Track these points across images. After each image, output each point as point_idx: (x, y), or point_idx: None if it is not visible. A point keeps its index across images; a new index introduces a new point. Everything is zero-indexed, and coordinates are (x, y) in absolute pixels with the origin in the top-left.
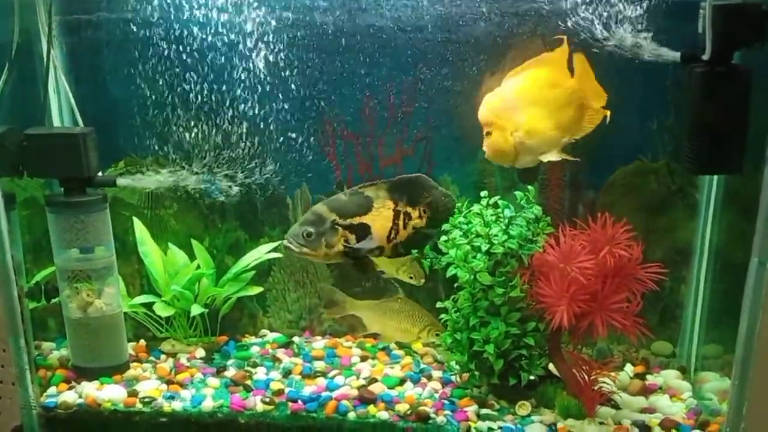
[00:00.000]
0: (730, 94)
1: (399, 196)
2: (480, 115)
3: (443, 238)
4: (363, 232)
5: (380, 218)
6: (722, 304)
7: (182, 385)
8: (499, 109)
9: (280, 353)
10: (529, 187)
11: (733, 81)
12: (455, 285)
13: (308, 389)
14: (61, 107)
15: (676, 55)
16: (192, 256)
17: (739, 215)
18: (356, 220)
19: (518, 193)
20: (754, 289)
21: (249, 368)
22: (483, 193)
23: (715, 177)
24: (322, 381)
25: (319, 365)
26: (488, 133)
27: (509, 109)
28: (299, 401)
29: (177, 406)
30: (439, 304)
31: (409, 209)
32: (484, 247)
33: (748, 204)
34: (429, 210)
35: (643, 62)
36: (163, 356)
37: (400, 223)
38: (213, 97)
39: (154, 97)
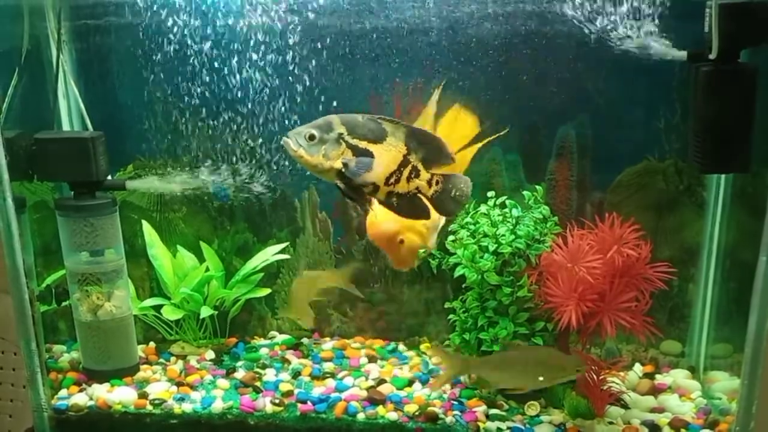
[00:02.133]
0: (737, 92)
1: (414, 148)
2: (382, 235)
3: (450, 238)
4: (366, 158)
5: (387, 155)
6: (731, 303)
7: (192, 387)
8: (394, 220)
9: (289, 355)
10: (537, 186)
11: (740, 80)
12: (463, 285)
13: (317, 390)
14: (70, 111)
15: (682, 54)
16: (201, 259)
17: (747, 214)
18: (363, 144)
19: (526, 193)
20: (763, 288)
21: (258, 370)
22: (490, 193)
23: (723, 176)
24: (331, 382)
25: (328, 366)
26: (401, 241)
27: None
28: (308, 402)
29: (187, 407)
30: (447, 305)
31: (419, 166)
32: (492, 247)
33: (757, 202)
34: (442, 184)
35: (650, 61)
36: (172, 358)
37: (405, 173)
38: (221, 100)
39: (162, 101)
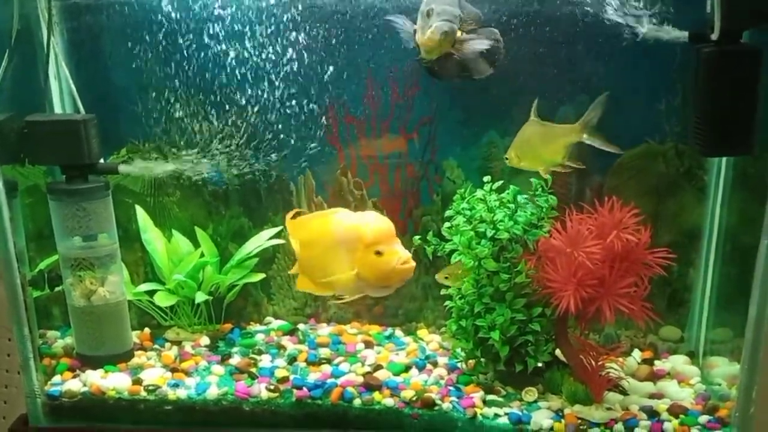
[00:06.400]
0: (739, 74)
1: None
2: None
3: (446, 224)
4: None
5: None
6: (731, 287)
7: (187, 373)
8: None
9: (285, 340)
10: (547, 176)
11: (743, 61)
12: (460, 271)
13: (313, 376)
14: (62, 94)
15: (684, 35)
16: (196, 243)
17: (749, 197)
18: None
19: (534, 180)
20: (764, 272)
21: (254, 356)
22: (486, 178)
23: (724, 159)
24: (327, 368)
25: (324, 352)
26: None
27: None
28: (304, 388)
29: (181, 393)
30: (443, 291)
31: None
32: (489, 233)
33: (759, 186)
34: (467, 43)
35: (650, 42)
36: (167, 344)
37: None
38: (215, 83)
39: (155, 83)
